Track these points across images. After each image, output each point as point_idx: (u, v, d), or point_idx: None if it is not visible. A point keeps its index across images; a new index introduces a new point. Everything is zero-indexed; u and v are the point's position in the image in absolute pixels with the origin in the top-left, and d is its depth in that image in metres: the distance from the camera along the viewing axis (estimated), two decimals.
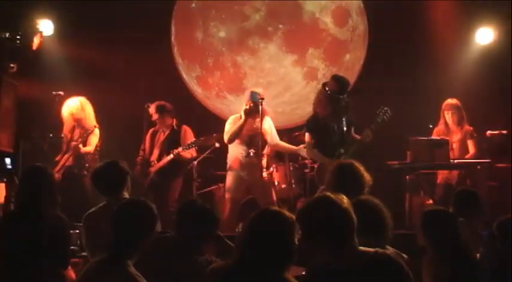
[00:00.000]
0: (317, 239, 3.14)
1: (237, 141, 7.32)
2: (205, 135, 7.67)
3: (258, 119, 7.16)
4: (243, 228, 3.20)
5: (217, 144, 7.71)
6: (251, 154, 7.28)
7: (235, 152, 7.37)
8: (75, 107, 7.60)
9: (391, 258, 3.16)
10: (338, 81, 7.03)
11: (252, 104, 7.15)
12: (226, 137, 7.35)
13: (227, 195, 7.44)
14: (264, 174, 7.38)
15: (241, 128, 7.22)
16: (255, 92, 7.33)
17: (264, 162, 7.40)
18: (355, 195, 3.96)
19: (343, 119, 7.03)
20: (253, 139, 7.26)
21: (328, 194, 3.23)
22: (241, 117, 7.26)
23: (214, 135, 7.65)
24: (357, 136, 7.10)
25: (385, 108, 7.11)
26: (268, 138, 7.42)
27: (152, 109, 7.73)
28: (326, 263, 3.14)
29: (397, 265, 3.14)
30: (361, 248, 3.17)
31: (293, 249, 3.09)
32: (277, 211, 3.17)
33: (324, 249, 3.15)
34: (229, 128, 7.34)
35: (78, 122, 7.59)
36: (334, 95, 6.92)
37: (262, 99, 7.16)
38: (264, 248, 3.05)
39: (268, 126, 7.47)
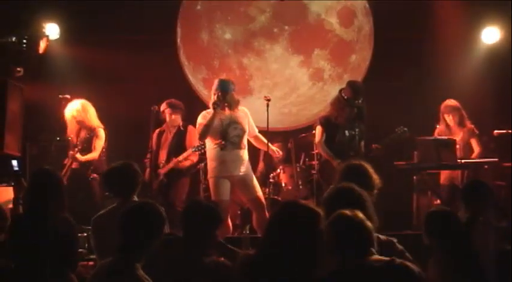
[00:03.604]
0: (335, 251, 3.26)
1: (211, 136, 6.83)
2: None
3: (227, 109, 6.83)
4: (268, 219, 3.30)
5: None
6: (227, 146, 6.75)
7: (211, 147, 6.89)
8: (76, 109, 7.62)
9: (407, 266, 3.18)
10: (351, 87, 7.22)
11: (220, 94, 6.79)
12: (198, 134, 6.90)
13: (213, 199, 6.79)
14: (244, 169, 6.89)
15: (212, 121, 6.74)
16: (224, 80, 7.05)
17: (245, 154, 6.91)
18: None
19: (356, 127, 7.17)
20: (228, 131, 6.81)
21: (344, 211, 3.37)
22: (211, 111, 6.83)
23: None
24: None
25: (405, 129, 7.27)
26: (246, 128, 6.93)
27: (164, 105, 7.72)
28: (340, 269, 3.21)
29: (411, 274, 3.16)
30: (376, 256, 3.20)
31: (319, 240, 3.14)
32: (304, 204, 3.25)
33: (342, 258, 3.25)
34: (200, 124, 6.86)
35: (81, 125, 7.61)
36: (349, 101, 7.09)
37: (269, 100, 7.17)
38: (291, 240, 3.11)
39: (244, 115, 6.99)
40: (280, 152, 7.26)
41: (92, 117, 7.65)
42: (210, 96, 7.05)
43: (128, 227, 3.69)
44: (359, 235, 3.28)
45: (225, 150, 6.79)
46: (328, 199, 3.98)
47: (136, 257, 3.63)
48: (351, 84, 7.37)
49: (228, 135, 6.80)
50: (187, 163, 7.57)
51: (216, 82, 6.98)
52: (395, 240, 4.11)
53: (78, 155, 7.44)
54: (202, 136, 6.85)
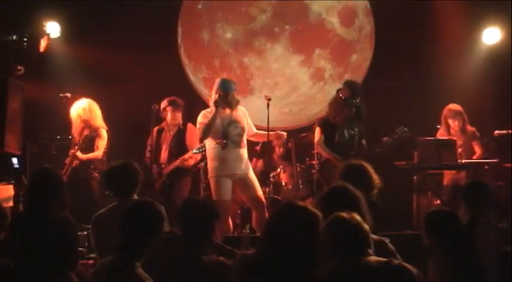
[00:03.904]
0: (333, 252, 3.27)
1: (212, 135, 6.84)
2: None
3: (228, 109, 6.86)
4: (267, 219, 3.34)
5: None
6: (228, 145, 6.78)
7: (212, 147, 6.90)
8: (82, 108, 7.61)
9: (404, 267, 3.20)
10: (349, 87, 7.23)
11: (221, 93, 6.82)
12: (200, 133, 6.93)
13: (214, 198, 6.81)
14: (245, 167, 6.93)
15: (213, 120, 6.77)
16: (226, 79, 7.08)
17: (245, 153, 6.96)
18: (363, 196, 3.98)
19: (355, 126, 7.18)
20: (229, 130, 6.85)
21: (341, 214, 3.37)
22: (212, 111, 6.86)
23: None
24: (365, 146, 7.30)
25: (405, 129, 7.25)
26: (246, 127, 6.99)
27: (165, 103, 7.70)
28: (339, 270, 3.22)
29: (409, 274, 3.17)
30: (374, 257, 3.22)
31: (317, 242, 3.16)
32: (302, 205, 3.26)
33: (339, 260, 3.26)
34: (201, 123, 6.90)
35: (85, 123, 7.60)
36: (347, 101, 7.08)
37: (269, 99, 7.17)
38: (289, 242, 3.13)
39: (243, 114, 7.04)
40: (285, 133, 7.24)
41: (98, 117, 7.65)
42: (211, 95, 7.06)
43: (127, 226, 3.70)
44: (356, 237, 3.30)
45: (226, 149, 6.80)
46: (322, 199, 3.98)
47: (136, 255, 3.63)
48: (348, 84, 7.39)
49: (229, 134, 6.82)
50: (191, 162, 7.55)
51: (217, 81, 6.99)
52: (387, 240, 4.11)
53: (78, 153, 7.44)
54: (205, 135, 6.86)
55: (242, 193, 7.02)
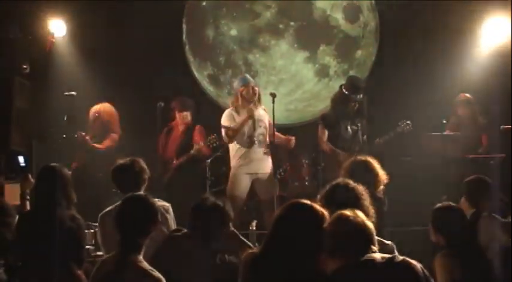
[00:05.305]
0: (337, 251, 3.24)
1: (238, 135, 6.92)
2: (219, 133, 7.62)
3: (252, 105, 6.96)
4: (273, 218, 3.32)
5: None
6: (256, 144, 6.90)
7: (237, 146, 6.97)
8: (103, 109, 7.71)
9: (409, 263, 3.19)
10: (352, 82, 7.25)
11: (251, 91, 6.92)
12: (225, 138, 6.97)
13: (229, 192, 6.90)
14: (268, 167, 7.00)
15: (242, 127, 6.87)
16: (246, 75, 7.23)
17: (268, 152, 7.01)
18: (369, 192, 3.96)
19: (358, 122, 7.17)
20: (255, 129, 6.94)
21: (345, 212, 3.31)
22: (236, 110, 6.98)
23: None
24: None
25: (407, 122, 7.26)
26: (267, 125, 7.08)
27: (174, 104, 7.75)
28: (343, 267, 3.21)
29: (413, 270, 3.17)
30: (376, 254, 3.21)
31: (322, 240, 3.16)
32: (308, 204, 3.28)
33: (343, 259, 3.23)
34: (225, 127, 6.95)
35: (105, 126, 7.67)
36: (349, 96, 7.07)
37: (274, 96, 7.17)
38: (293, 239, 3.15)
39: (264, 113, 7.12)
40: (293, 138, 7.20)
41: (116, 121, 7.83)
42: (235, 94, 7.10)
43: (121, 221, 3.72)
44: (360, 236, 3.27)
45: (251, 148, 6.87)
46: (324, 196, 3.97)
47: (134, 249, 3.64)
48: (351, 80, 7.41)
49: (254, 133, 6.89)
50: (201, 153, 7.55)
51: (238, 79, 7.12)
52: (393, 245, 4.07)
53: (88, 138, 7.53)
54: (231, 141, 6.92)
55: (259, 192, 7.07)
